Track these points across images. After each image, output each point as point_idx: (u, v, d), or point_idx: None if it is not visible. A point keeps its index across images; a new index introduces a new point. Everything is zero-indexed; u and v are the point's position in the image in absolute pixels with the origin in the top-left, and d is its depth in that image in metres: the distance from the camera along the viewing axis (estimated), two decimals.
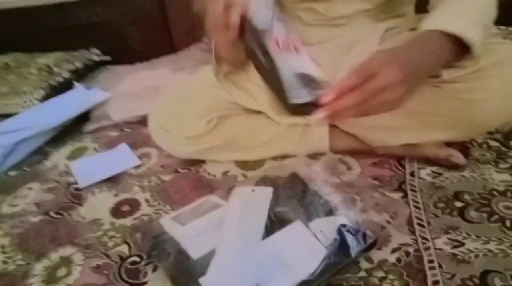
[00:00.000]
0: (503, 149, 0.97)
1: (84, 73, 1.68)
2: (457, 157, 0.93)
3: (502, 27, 1.38)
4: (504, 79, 0.80)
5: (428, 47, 0.69)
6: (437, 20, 0.73)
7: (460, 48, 0.71)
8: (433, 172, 0.93)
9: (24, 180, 1.15)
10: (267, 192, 0.77)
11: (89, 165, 1.15)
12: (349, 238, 0.70)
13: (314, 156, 1.02)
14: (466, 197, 0.84)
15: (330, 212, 0.74)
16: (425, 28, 0.72)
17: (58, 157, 1.24)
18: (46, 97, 1.49)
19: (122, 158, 1.15)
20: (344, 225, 0.71)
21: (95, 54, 1.75)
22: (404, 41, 0.70)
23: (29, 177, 1.16)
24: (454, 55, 0.72)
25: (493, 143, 0.99)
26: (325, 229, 0.71)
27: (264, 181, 0.82)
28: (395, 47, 0.68)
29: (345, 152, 1.02)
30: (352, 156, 1.01)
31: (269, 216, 0.72)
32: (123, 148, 1.20)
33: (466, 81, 0.81)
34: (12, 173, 1.20)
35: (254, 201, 0.76)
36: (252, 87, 0.99)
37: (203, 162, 1.08)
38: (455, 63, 0.78)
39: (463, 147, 0.97)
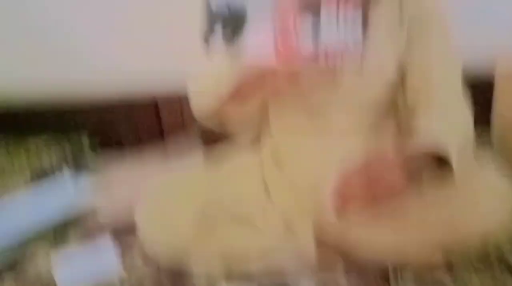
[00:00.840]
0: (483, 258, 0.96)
1: (73, 159, 1.68)
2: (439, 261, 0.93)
3: None
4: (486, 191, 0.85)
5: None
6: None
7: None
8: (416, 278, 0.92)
9: None
10: None
11: (72, 266, 1.09)
12: None
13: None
14: None
15: None
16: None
17: (38, 248, 1.20)
18: (32, 180, 1.48)
19: (105, 259, 1.10)
20: None
21: (84, 140, 1.76)
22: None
23: (4, 273, 1.11)
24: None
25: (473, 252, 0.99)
26: None
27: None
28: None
29: (332, 265, 1.00)
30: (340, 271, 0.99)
31: None
32: (106, 238, 1.18)
33: (447, 188, 0.85)
34: None
35: None
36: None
37: (188, 273, 1.03)
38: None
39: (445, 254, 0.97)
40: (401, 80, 0.96)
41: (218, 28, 0.87)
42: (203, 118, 1.05)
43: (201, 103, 1.02)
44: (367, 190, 0.70)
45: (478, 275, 0.92)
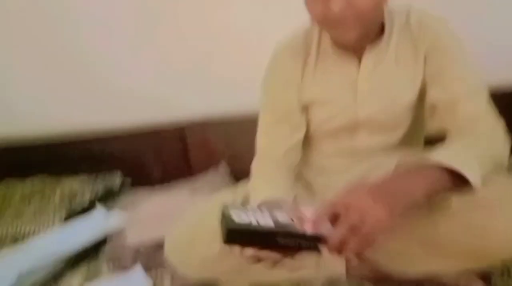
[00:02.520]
0: None
1: (105, 198, 1.73)
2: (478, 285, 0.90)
3: None
4: None
5: (405, 175, 0.73)
6: (435, 154, 0.76)
7: (456, 182, 0.73)
8: None
9: None
10: None
11: None
12: None
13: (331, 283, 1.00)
14: None
15: None
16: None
17: (72, 280, 1.23)
18: (66, 220, 1.53)
19: (136, 283, 1.13)
20: None
21: (116, 180, 1.82)
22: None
23: None
24: (444, 183, 0.73)
25: None
26: None
27: None
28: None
29: (363, 279, 1.00)
30: (370, 282, 0.99)
31: None
32: (137, 271, 1.20)
33: (477, 212, 0.82)
34: None
35: None
36: None
37: None
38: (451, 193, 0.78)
39: (484, 275, 0.94)
40: (422, 103, 0.95)
41: None
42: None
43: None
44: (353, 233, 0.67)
45: None
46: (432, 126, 0.96)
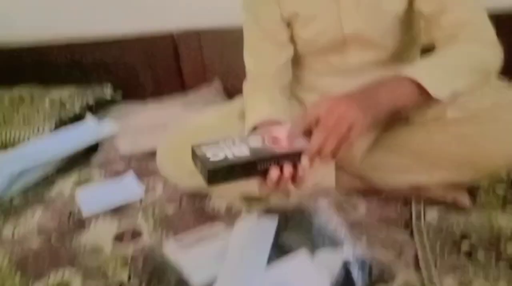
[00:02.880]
0: (509, 196, 0.96)
1: (96, 109, 1.71)
2: (464, 200, 0.93)
3: None
4: (509, 123, 0.81)
5: (372, 86, 0.72)
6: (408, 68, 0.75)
7: (426, 95, 0.72)
8: (439, 213, 0.92)
9: (28, 206, 1.15)
10: (272, 222, 0.76)
11: (94, 194, 1.15)
12: (354, 272, 0.69)
13: (318, 194, 1.01)
14: (473, 239, 0.83)
15: (336, 244, 0.73)
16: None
17: (64, 184, 1.25)
18: (56, 129, 1.52)
19: (128, 188, 1.16)
20: (349, 259, 0.70)
21: (107, 90, 1.79)
22: None
23: (33, 203, 1.16)
24: (412, 96, 0.72)
25: (499, 190, 0.99)
26: (329, 262, 0.70)
27: (269, 212, 0.82)
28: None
29: (351, 191, 1.02)
30: (358, 195, 1.01)
31: (273, 245, 0.71)
32: (130, 177, 1.21)
33: (471, 124, 0.83)
34: (16, 199, 1.20)
35: (259, 230, 0.75)
36: None
37: (207, 196, 1.08)
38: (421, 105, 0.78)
39: (470, 190, 0.97)
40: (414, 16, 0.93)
41: None
42: None
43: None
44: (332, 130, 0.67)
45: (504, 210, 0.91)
46: (423, 38, 0.94)
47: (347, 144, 0.65)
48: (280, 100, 0.98)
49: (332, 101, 0.67)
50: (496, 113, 0.82)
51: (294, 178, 0.68)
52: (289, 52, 0.99)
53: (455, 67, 0.76)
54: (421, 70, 0.73)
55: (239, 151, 0.65)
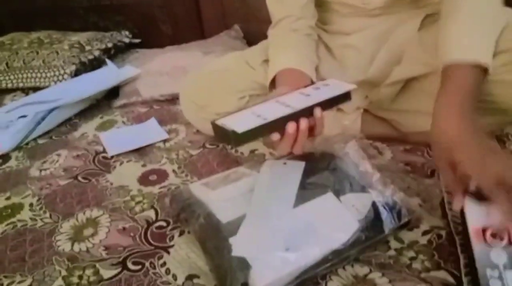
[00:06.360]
0: None
1: (114, 54, 1.70)
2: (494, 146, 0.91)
3: None
4: None
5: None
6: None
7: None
8: None
9: (53, 147, 1.17)
10: (299, 164, 0.76)
11: (118, 136, 1.16)
12: (384, 213, 0.69)
13: (344, 140, 1.00)
14: None
15: (363, 188, 0.72)
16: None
17: (87, 128, 1.26)
18: (76, 73, 1.52)
19: (151, 132, 1.16)
20: (378, 200, 0.70)
21: (125, 36, 1.77)
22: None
23: (58, 145, 1.18)
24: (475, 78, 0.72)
25: None
26: (357, 203, 0.70)
27: (295, 156, 0.81)
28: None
29: (377, 138, 1.00)
30: (384, 142, 1.00)
31: (300, 186, 0.71)
32: (152, 122, 1.21)
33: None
34: (41, 140, 1.22)
35: (286, 171, 0.75)
36: None
37: None
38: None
39: (498, 140, 0.95)
40: None
41: None
42: None
43: None
44: None
45: None
46: None
47: None
48: (307, 44, 0.95)
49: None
50: None
51: (311, 131, 0.71)
52: None
53: (488, 25, 0.74)
54: (469, 49, 0.72)
55: (262, 112, 0.68)
